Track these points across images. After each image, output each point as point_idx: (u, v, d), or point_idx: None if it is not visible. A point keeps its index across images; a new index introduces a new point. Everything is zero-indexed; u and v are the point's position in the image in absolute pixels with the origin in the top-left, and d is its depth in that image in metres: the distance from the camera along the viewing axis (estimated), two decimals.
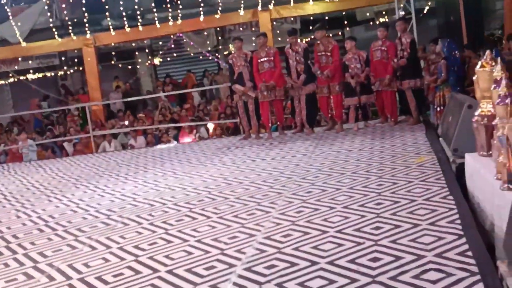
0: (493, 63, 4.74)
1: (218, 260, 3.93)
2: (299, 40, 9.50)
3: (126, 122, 13.62)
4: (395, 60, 8.39)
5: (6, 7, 14.40)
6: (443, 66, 8.06)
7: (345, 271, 3.42)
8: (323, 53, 8.77)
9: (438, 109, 8.06)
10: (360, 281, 3.26)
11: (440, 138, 6.75)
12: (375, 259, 3.54)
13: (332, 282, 3.29)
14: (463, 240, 3.65)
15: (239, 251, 4.05)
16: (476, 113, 4.93)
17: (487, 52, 5.03)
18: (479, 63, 4.94)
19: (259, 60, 8.92)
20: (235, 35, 17.96)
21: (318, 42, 8.92)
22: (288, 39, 9.28)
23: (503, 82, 4.23)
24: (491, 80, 4.58)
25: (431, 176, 5.31)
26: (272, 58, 8.91)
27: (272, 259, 3.79)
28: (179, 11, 15.06)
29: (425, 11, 14.67)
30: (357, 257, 3.62)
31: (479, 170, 4.57)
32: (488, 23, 14.27)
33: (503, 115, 4.06)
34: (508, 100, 4.08)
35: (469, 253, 3.43)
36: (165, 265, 3.99)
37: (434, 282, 3.11)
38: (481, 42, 10.00)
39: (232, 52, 9.44)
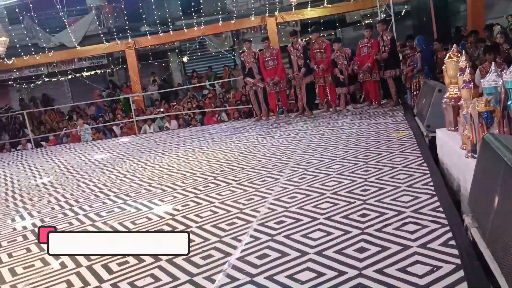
0: (459, 55, 4.65)
1: (237, 217, 3.94)
2: (299, 40, 9.36)
3: (162, 109, 13.58)
4: (380, 53, 8.26)
5: (63, 18, 14.31)
6: (419, 58, 7.93)
7: (340, 225, 3.42)
8: (318, 50, 8.70)
9: (415, 93, 7.95)
10: (351, 232, 3.26)
11: (416, 117, 6.64)
12: (363, 215, 3.53)
13: (329, 233, 3.29)
14: (435, 198, 3.62)
15: (254, 210, 4.06)
16: (445, 96, 4.85)
17: (454, 45, 4.94)
18: (447, 54, 4.86)
19: (264, 59, 8.87)
20: (247, 37, 17.78)
21: (314, 41, 8.83)
22: (290, 39, 9.20)
23: (467, 70, 4.15)
24: (457, 69, 4.51)
25: (408, 148, 5.24)
26: (275, 57, 8.87)
27: (281, 216, 3.80)
28: (202, 18, 14.88)
29: (402, 14, 14.39)
30: (349, 213, 3.61)
31: (448, 142, 4.52)
32: (454, 22, 13.97)
33: (467, 97, 4.00)
34: (471, 85, 4.02)
35: (440, 209, 3.41)
36: (196, 222, 4.01)
37: (411, 232, 3.10)
38: (448, 37, 9.78)
39: (244, 51, 9.34)
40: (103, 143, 10.22)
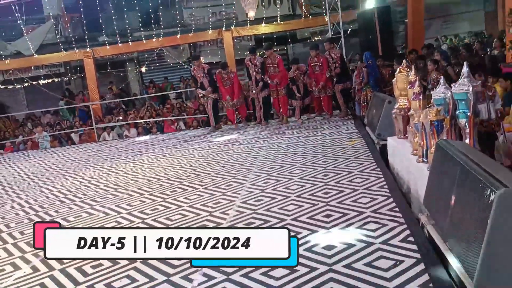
0: (408, 69, 4.89)
1: (207, 220, 3.93)
2: (257, 56, 9.50)
3: (121, 117, 13.25)
4: (332, 70, 8.54)
5: (22, 26, 13.71)
6: (365, 72, 8.24)
7: (307, 225, 3.49)
8: (271, 65, 8.85)
9: (363, 104, 8.24)
10: (318, 232, 3.34)
11: (366, 127, 6.88)
12: (327, 216, 3.62)
13: (297, 233, 3.35)
14: (391, 200, 3.77)
15: (223, 213, 4.05)
16: (395, 107, 5.07)
17: (404, 61, 5.19)
18: (398, 69, 5.08)
19: (222, 79, 9.01)
20: (204, 49, 17.81)
21: (267, 57, 8.97)
22: (248, 54, 9.29)
23: (416, 83, 4.38)
24: (407, 82, 4.73)
25: (362, 154, 5.43)
26: (232, 79, 8.99)
27: (249, 218, 3.82)
28: (160, 30, 14.74)
29: (348, 32, 14.88)
30: (314, 214, 3.69)
31: (399, 149, 4.73)
32: (395, 40, 14.60)
33: (416, 108, 4.21)
34: (421, 97, 4.24)
35: (397, 209, 3.56)
36: (166, 224, 3.96)
37: (373, 231, 3.22)
38: (391, 54, 10.22)
39: (194, 66, 9.32)
40: (62, 150, 9.83)
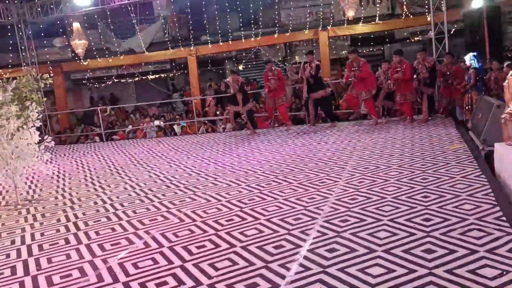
0: None
1: (302, 213, 3.98)
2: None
3: (218, 112, 13.80)
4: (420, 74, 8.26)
5: (135, 25, 14.88)
6: (472, 74, 7.71)
7: (404, 227, 3.39)
8: (356, 68, 8.66)
9: (467, 108, 7.74)
10: (416, 234, 3.23)
11: (470, 132, 6.46)
12: (427, 219, 3.49)
13: (395, 234, 3.27)
14: (497, 208, 3.54)
15: (318, 208, 4.08)
16: (506, 111, 4.73)
17: None
18: (510, 72, 4.73)
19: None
20: (299, 48, 17.90)
21: (351, 61, 8.77)
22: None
23: None
24: None
25: (464, 160, 5.13)
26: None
27: (344, 215, 3.81)
28: (259, 30, 15.08)
29: (452, 32, 13.99)
30: (412, 217, 3.57)
31: (507, 156, 4.40)
32: (504, 42, 13.45)
33: None
34: None
35: (503, 218, 3.33)
36: (263, 215, 4.06)
37: (477, 238, 3.05)
38: (500, 56, 9.46)
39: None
40: (167, 140, 10.52)
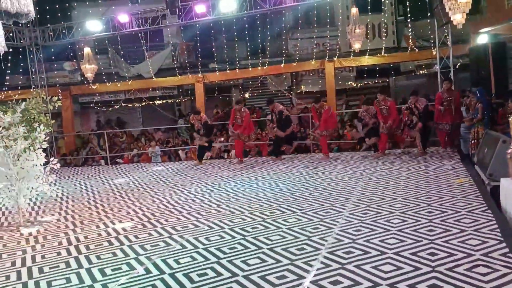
0: None
1: (306, 244, 3.94)
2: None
3: (222, 139, 13.87)
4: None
5: (145, 52, 15.15)
6: (480, 108, 7.75)
7: (409, 261, 3.35)
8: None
9: (473, 141, 7.73)
10: (422, 269, 3.19)
11: (476, 166, 6.44)
12: (432, 254, 3.44)
13: (400, 268, 3.23)
14: (504, 244, 3.49)
15: (322, 238, 4.04)
16: (511, 146, 4.72)
17: None
18: None
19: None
20: (305, 78, 18.08)
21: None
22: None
23: None
24: None
25: (470, 194, 5.10)
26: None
27: (348, 247, 3.77)
28: (266, 59, 15.31)
29: (457, 66, 14.14)
30: (417, 251, 3.53)
31: None
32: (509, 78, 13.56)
33: None
34: None
35: (510, 255, 3.28)
36: (266, 244, 4.02)
37: (483, 275, 3.00)
38: (505, 91, 9.51)
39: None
40: (171, 165, 10.53)
